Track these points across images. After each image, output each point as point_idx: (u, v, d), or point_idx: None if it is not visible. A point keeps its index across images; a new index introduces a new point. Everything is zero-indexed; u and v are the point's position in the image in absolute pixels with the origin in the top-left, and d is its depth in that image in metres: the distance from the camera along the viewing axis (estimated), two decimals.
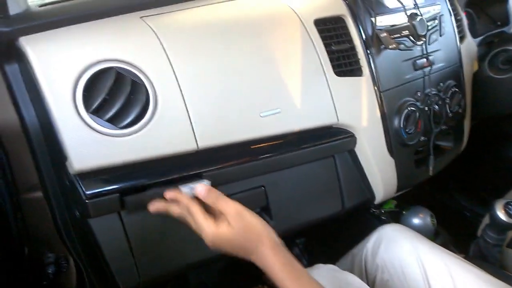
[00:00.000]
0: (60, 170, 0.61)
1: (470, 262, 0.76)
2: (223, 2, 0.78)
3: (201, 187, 0.55)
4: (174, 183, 0.60)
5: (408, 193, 1.06)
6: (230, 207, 0.55)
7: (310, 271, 0.79)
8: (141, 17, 0.67)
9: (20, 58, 0.59)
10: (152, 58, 0.61)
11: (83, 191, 0.56)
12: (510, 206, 0.87)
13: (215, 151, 0.66)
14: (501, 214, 0.85)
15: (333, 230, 1.17)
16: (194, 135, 0.63)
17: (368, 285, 0.84)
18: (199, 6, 0.74)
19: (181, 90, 0.62)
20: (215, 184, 0.63)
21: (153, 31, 0.64)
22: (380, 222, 1.16)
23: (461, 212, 1.42)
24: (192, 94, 0.63)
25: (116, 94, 0.58)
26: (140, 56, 0.60)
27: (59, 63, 0.57)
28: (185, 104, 0.62)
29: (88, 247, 0.65)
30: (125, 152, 0.58)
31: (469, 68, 1.09)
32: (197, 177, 0.63)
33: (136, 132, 0.58)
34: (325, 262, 0.81)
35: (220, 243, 0.55)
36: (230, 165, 0.68)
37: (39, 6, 0.64)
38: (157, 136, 0.60)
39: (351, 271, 0.89)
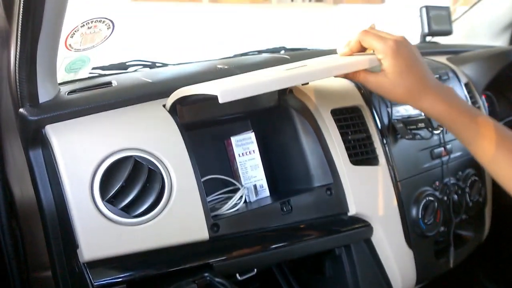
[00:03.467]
0: (71, 255, 0.61)
1: None
2: None
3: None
4: (182, 274, 0.59)
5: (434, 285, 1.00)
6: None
7: None
8: (163, 105, 0.70)
9: (44, 143, 0.61)
10: (170, 148, 0.63)
11: (90, 280, 0.55)
12: None
13: (227, 241, 0.66)
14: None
15: None
16: (207, 224, 0.63)
17: None
18: None
19: (197, 181, 0.63)
20: (228, 274, 0.61)
21: (174, 120, 0.67)
22: None
23: None
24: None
25: (133, 182, 0.59)
26: (159, 145, 0.62)
27: (81, 152, 0.59)
28: (200, 194, 0.63)
29: None
30: (136, 241, 0.57)
31: None
32: (208, 267, 0.62)
33: (148, 221, 0.58)
34: None
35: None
36: (242, 255, 0.66)
37: (68, 93, 0.68)
38: (169, 225, 0.59)
39: None
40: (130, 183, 0.59)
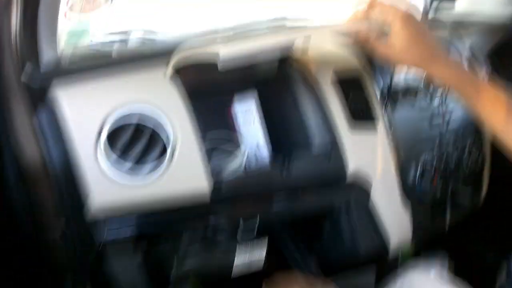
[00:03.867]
0: (78, 213, 0.63)
1: None
2: None
3: None
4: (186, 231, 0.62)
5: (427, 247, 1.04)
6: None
7: None
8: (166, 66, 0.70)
9: (49, 102, 0.62)
10: (173, 110, 0.65)
11: (98, 236, 0.58)
12: None
13: (227, 202, 0.68)
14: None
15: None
16: (208, 185, 0.65)
17: None
18: None
19: (197, 139, 0.65)
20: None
21: (176, 84, 0.68)
22: (397, 268, 1.13)
23: (483, 262, 1.37)
24: None
25: (136, 141, 0.61)
26: (161, 106, 0.64)
27: (86, 110, 0.61)
28: (201, 153, 0.64)
29: None
30: (141, 198, 0.60)
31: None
32: (209, 226, 0.65)
33: (151, 179, 0.61)
34: None
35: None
36: (243, 214, 0.69)
37: (71, 54, 0.69)
38: (171, 184, 0.62)
39: None
40: (134, 142, 0.61)
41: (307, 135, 0.80)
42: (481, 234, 1.38)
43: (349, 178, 0.80)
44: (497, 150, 1.11)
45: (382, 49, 0.63)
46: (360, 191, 0.82)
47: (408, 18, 0.60)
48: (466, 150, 0.96)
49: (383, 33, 0.61)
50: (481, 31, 1.17)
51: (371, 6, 0.62)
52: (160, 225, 0.61)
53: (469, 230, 1.34)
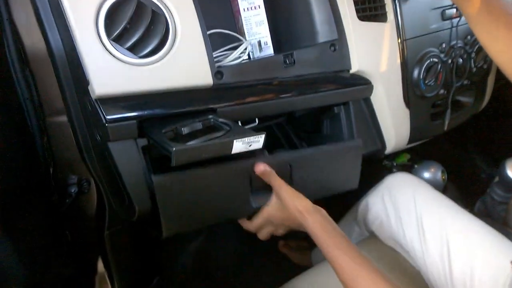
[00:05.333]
0: (83, 95, 0.64)
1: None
2: None
3: (259, 167, 0.68)
4: (189, 115, 0.63)
5: (423, 147, 1.06)
6: (275, 182, 0.68)
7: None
8: None
9: None
10: None
11: (103, 115, 0.59)
12: None
13: (230, 89, 0.68)
14: (510, 172, 0.86)
15: None
16: (211, 71, 0.64)
17: (368, 230, 0.88)
18: None
19: (200, 25, 0.63)
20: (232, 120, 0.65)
21: None
22: (390, 169, 1.18)
23: (475, 171, 1.42)
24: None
25: (137, 24, 0.59)
26: None
27: None
28: (204, 40, 0.63)
29: (108, 169, 0.69)
30: (143, 81, 0.60)
31: None
32: (212, 112, 0.65)
33: (154, 62, 0.60)
34: (335, 208, 0.85)
35: (280, 218, 0.70)
36: (245, 102, 0.69)
37: None
38: (174, 68, 0.61)
39: (357, 219, 0.93)
40: (134, 24, 0.59)
41: (313, 24, 0.77)
42: (475, 142, 1.41)
43: (353, 69, 0.79)
44: None
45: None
46: (362, 86, 0.81)
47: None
48: (476, 46, 0.93)
49: None
50: None
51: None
52: (162, 107, 0.62)
53: (464, 137, 1.37)
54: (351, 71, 0.80)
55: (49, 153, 0.76)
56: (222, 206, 0.70)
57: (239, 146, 0.59)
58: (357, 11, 0.77)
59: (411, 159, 1.28)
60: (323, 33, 0.77)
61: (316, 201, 0.68)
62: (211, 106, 0.66)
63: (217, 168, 0.66)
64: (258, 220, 0.72)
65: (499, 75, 1.10)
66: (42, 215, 0.76)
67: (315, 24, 0.77)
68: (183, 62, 0.62)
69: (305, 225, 0.65)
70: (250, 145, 0.59)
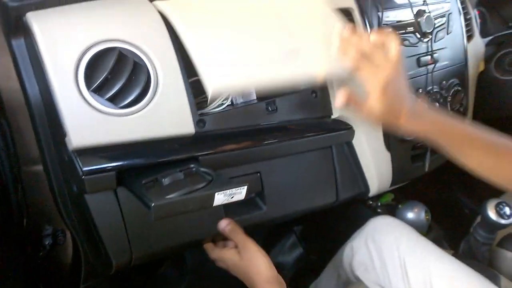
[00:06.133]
0: (60, 145, 0.62)
1: (452, 256, 0.78)
2: None
3: (223, 223, 0.70)
4: (170, 164, 0.62)
5: (407, 187, 1.07)
6: (239, 240, 0.68)
7: None
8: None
9: (27, 32, 0.59)
10: (156, 40, 0.62)
11: (80, 167, 0.57)
12: (501, 206, 0.88)
13: (213, 137, 0.68)
14: (492, 214, 0.86)
15: (330, 219, 1.19)
16: (193, 119, 0.64)
17: (354, 276, 0.87)
18: None
19: (182, 74, 0.63)
20: (213, 168, 0.64)
21: (160, 12, 0.64)
22: (376, 214, 1.18)
23: (459, 209, 1.43)
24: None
25: (118, 74, 0.58)
26: (144, 38, 0.61)
27: (64, 40, 0.57)
28: (186, 88, 0.63)
29: (84, 222, 0.66)
30: (123, 131, 0.59)
31: (474, 68, 1.09)
32: (194, 160, 0.64)
33: (134, 112, 0.59)
34: (321, 250, 0.84)
35: (233, 269, 0.69)
36: (227, 150, 0.69)
37: None
38: (155, 117, 0.60)
39: (342, 264, 0.91)
40: (115, 75, 0.59)
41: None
42: (459, 180, 1.43)
43: (334, 114, 0.80)
44: (479, 94, 1.13)
45: (364, 110, 0.66)
46: (344, 131, 0.82)
47: (387, 86, 0.63)
48: (452, 91, 0.96)
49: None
50: None
51: (359, 62, 0.65)
52: (142, 157, 0.60)
53: (448, 176, 1.39)
54: (333, 117, 0.81)
55: (24, 203, 0.74)
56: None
57: (220, 198, 0.57)
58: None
59: (395, 199, 1.28)
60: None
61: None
62: (193, 154, 0.65)
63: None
64: (214, 254, 0.72)
65: (476, 116, 1.13)
66: (15, 267, 0.72)
67: None
68: (165, 112, 0.61)
69: None
70: (232, 197, 0.58)
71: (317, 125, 0.81)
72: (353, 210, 1.17)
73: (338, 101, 0.67)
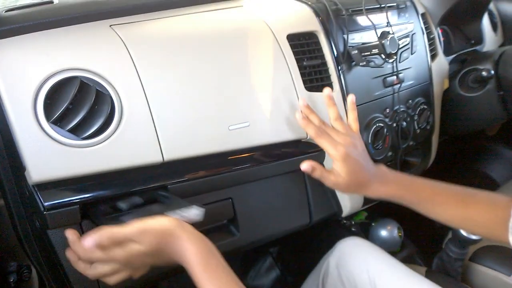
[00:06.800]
0: (20, 180, 0.60)
1: (423, 275, 0.78)
2: (196, 13, 0.78)
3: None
4: (137, 195, 0.60)
5: (381, 202, 1.08)
6: (130, 231, 0.51)
7: None
8: (110, 26, 0.66)
9: None
10: (119, 68, 0.61)
11: (41, 202, 0.55)
12: None
13: (181, 163, 0.66)
14: (462, 230, 0.88)
15: (305, 240, 1.18)
16: (160, 147, 0.63)
17: None
18: (171, 17, 0.74)
19: (148, 102, 0.62)
20: (182, 197, 0.63)
21: (122, 40, 0.64)
22: (350, 233, 1.18)
23: (432, 224, 1.45)
24: (159, 106, 0.63)
25: (80, 104, 0.57)
26: (107, 66, 0.60)
27: (21, 71, 0.56)
28: (152, 116, 0.62)
29: (49, 257, 0.64)
30: (87, 163, 0.57)
31: (439, 86, 1.12)
32: (163, 188, 0.63)
33: (99, 143, 0.58)
34: (297, 271, 0.83)
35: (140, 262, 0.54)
36: (196, 177, 0.68)
37: (6, 11, 0.63)
38: (121, 147, 0.59)
39: (317, 285, 0.90)
40: (77, 105, 0.57)
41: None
42: None
43: (306, 138, 0.80)
44: (445, 111, 1.16)
45: (331, 180, 0.73)
46: (315, 153, 0.83)
47: (348, 156, 0.69)
48: (418, 109, 0.99)
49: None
50: None
51: (318, 136, 0.72)
52: (108, 189, 0.59)
53: None
54: (303, 140, 0.81)
55: None
56: None
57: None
58: (305, 82, 0.80)
59: (368, 217, 1.29)
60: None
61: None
62: (162, 184, 0.63)
63: None
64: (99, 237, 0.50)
65: (442, 133, 1.16)
66: None
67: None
68: (131, 141, 0.60)
69: (183, 256, 0.51)
70: (187, 218, 0.56)
71: (289, 148, 0.81)
72: (327, 230, 1.17)
73: (303, 166, 0.73)
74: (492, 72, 1.10)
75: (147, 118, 0.61)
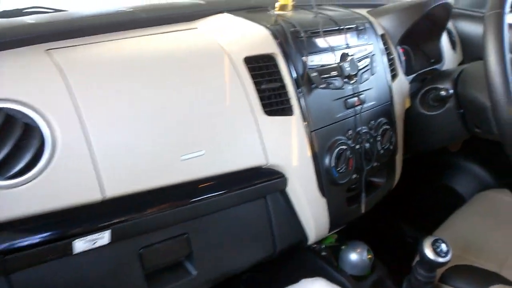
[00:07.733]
0: None
1: None
2: (145, 35, 0.73)
3: None
4: (70, 238, 0.54)
5: (350, 226, 1.05)
6: None
7: None
8: (46, 50, 0.60)
9: None
10: (52, 97, 0.55)
11: None
12: (437, 244, 0.87)
13: (128, 200, 0.60)
14: (429, 252, 0.85)
15: (276, 265, 1.13)
16: (102, 183, 0.56)
17: None
18: (117, 40, 0.69)
19: (87, 133, 0.56)
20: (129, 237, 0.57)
21: (59, 65, 0.58)
22: (320, 258, 1.14)
23: (403, 240, 1.44)
24: (100, 137, 0.57)
25: (3, 139, 0.50)
26: (37, 95, 0.54)
27: None
28: (92, 149, 0.56)
29: None
30: (12, 206, 0.50)
31: (400, 105, 1.11)
32: (101, 230, 0.56)
33: (26, 183, 0.51)
34: None
35: None
36: (144, 215, 0.61)
37: None
38: (53, 186, 0.52)
39: None
40: (1, 141, 0.50)
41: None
42: (398, 216, 1.44)
43: (265, 165, 0.76)
44: (408, 130, 1.16)
45: None
46: (276, 180, 0.79)
47: None
48: (381, 130, 0.97)
49: None
50: (395, 13, 1.19)
51: None
52: (37, 235, 0.52)
53: (386, 213, 1.40)
54: (264, 166, 0.77)
55: None
56: None
57: (81, 245, 0.53)
58: (264, 106, 0.76)
59: (338, 239, 1.26)
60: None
61: None
62: (102, 224, 0.57)
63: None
64: None
65: (406, 152, 1.15)
66: None
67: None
68: (65, 178, 0.53)
69: None
70: (94, 243, 0.53)
71: (248, 175, 0.76)
72: (297, 255, 1.12)
73: None
74: (451, 91, 1.10)
75: (84, 151, 0.55)
